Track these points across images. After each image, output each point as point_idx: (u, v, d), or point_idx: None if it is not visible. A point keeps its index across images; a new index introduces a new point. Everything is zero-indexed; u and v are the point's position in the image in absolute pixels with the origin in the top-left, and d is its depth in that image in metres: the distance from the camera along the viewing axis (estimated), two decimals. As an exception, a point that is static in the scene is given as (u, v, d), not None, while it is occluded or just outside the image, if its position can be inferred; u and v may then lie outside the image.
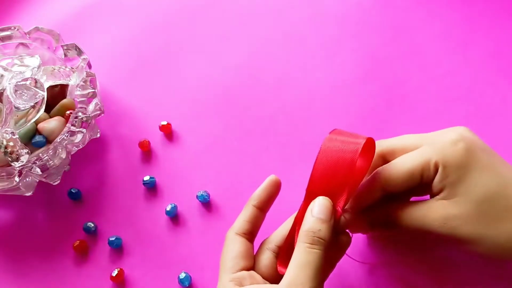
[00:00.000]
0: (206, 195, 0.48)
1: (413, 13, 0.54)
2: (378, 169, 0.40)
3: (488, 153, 0.38)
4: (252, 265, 0.39)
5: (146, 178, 0.49)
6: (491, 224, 0.36)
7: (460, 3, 0.54)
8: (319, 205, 0.37)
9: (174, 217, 0.48)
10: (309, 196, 0.37)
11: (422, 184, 0.39)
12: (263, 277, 0.39)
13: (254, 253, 0.40)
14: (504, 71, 0.51)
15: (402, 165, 0.38)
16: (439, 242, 0.44)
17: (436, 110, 0.50)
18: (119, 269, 0.46)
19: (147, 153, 0.51)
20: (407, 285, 0.44)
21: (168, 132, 0.51)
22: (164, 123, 0.51)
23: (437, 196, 0.38)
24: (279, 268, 0.38)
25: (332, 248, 0.37)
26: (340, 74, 0.52)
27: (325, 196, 0.37)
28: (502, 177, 0.37)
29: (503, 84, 0.50)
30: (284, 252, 0.38)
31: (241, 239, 0.39)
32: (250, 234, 0.40)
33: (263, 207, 0.40)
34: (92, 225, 0.48)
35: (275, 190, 0.40)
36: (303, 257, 0.35)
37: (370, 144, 0.39)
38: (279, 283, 0.35)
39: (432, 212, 0.37)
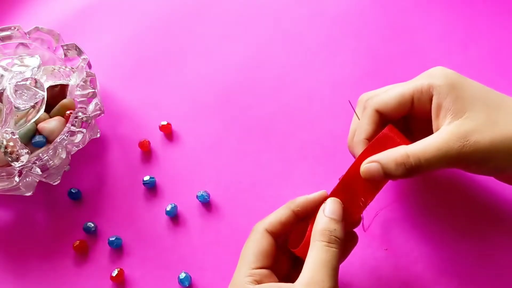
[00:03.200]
0: (206, 195, 0.48)
1: (413, 13, 0.54)
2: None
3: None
4: (272, 265, 0.39)
5: (146, 178, 0.49)
6: (502, 124, 0.37)
7: (460, 3, 0.54)
8: (331, 206, 0.38)
9: (174, 217, 0.48)
10: (340, 186, 0.39)
11: (416, 110, 0.40)
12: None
13: (267, 247, 0.39)
14: (504, 71, 0.51)
15: (392, 90, 0.40)
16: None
17: (436, 110, 0.50)
18: (119, 269, 0.46)
19: (147, 153, 0.51)
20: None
21: (168, 132, 0.51)
22: (164, 123, 0.51)
23: (446, 121, 0.38)
24: (291, 249, 0.39)
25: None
26: (340, 74, 0.52)
27: (352, 193, 0.39)
28: (484, 86, 0.40)
29: (503, 84, 0.50)
30: (299, 231, 0.39)
31: (269, 237, 0.39)
32: (279, 236, 0.39)
33: (302, 217, 0.40)
34: (92, 225, 0.48)
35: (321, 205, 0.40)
36: (321, 255, 0.35)
37: None
38: (296, 281, 0.35)
39: (450, 136, 0.37)
